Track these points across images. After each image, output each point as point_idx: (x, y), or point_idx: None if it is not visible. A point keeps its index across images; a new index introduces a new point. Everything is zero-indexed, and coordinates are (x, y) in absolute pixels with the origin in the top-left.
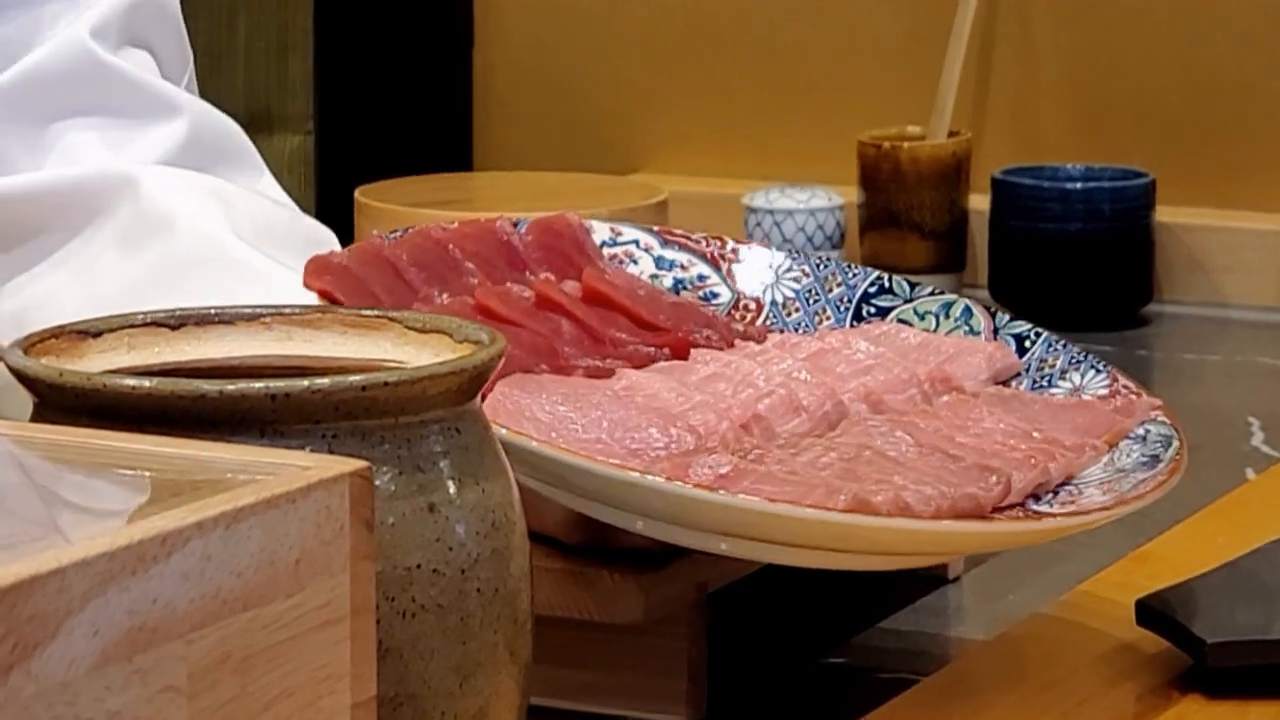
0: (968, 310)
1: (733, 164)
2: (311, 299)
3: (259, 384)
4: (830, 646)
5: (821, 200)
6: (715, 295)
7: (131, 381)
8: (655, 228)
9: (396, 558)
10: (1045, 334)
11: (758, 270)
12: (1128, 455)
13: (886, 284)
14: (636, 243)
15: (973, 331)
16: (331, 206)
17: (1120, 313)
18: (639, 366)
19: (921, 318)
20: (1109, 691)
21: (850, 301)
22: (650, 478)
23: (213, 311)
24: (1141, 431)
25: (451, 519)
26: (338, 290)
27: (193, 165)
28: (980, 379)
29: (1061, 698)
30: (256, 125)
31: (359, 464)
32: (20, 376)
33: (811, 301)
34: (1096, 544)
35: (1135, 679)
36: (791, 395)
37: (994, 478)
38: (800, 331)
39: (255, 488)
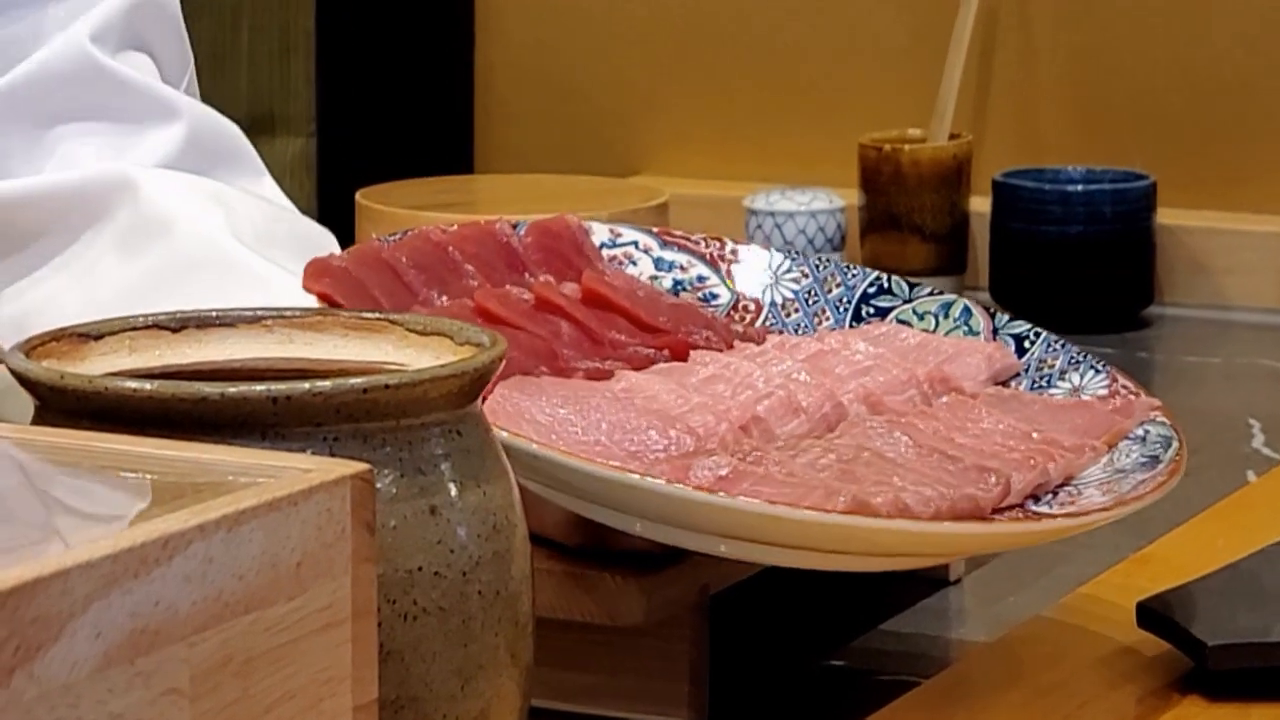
0: (967, 310)
1: (733, 166)
2: (311, 302)
3: (260, 386)
4: (831, 649)
5: (822, 202)
6: (714, 296)
7: (133, 384)
8: (654, 229)
9: (398, 560)
10: (1044, 334)
11: (757, 271)
12: (1127, 456)
13: (885, 284)
14: (635, 244)
15: (972, 332)
16: (332, 208)
17: (1121, 315)
18: (638, 368)
19: (921, 318)
20: (1110, 694)
21: (849, 302)
22: (650, 480)
23: (214, 314)
24: (1141, 432)
25: (453, 521)
26: (337, 293)
27: (192, 168)
28: (979, 379)
29: (1062, 700)
30: (259, 128)
31: (360, 466)
32: (22, 379)
33: (811, 302)
34: (1097, 546)
35: (1136, 681)
36: (790, 397)
37: (993, 479)
38: (799, 332)
39: (257, 490)
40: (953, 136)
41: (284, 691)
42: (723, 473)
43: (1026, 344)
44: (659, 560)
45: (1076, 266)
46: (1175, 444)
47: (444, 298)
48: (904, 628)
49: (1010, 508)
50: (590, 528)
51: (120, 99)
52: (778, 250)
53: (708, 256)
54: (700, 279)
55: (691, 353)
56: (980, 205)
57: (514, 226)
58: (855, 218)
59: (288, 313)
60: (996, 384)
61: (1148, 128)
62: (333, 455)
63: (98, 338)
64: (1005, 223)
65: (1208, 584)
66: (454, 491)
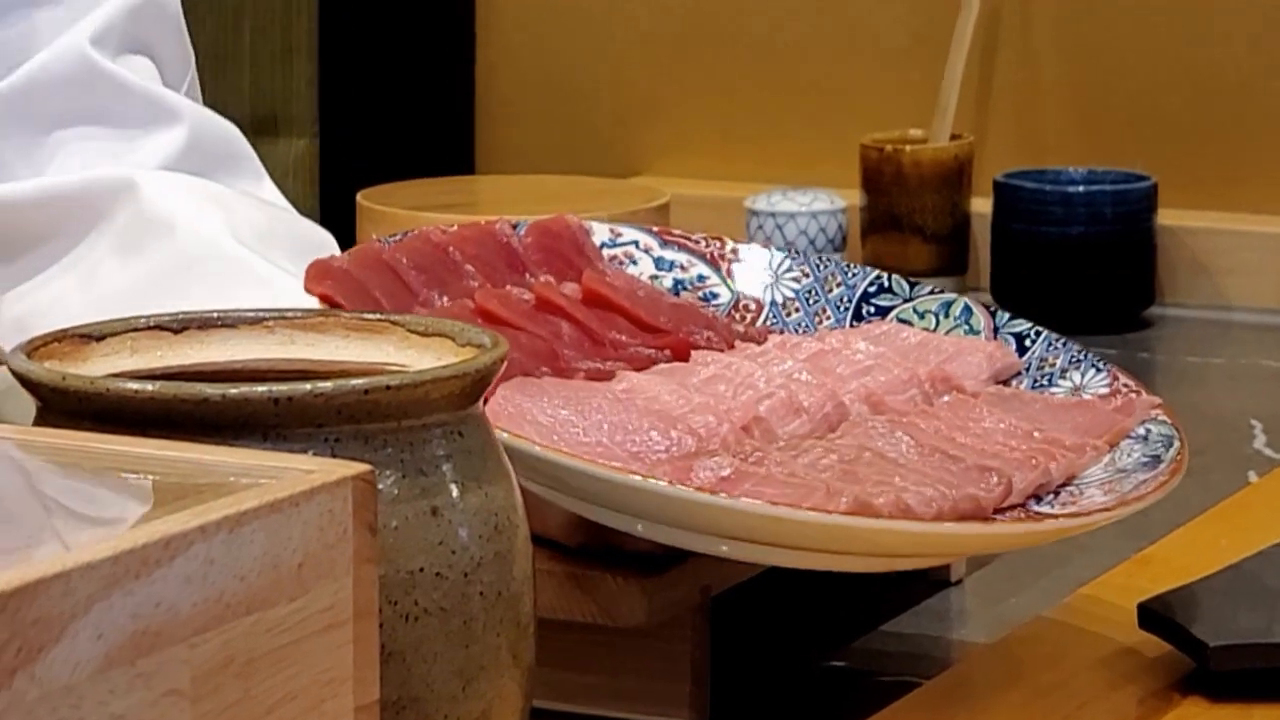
0: (967, 309)
1: (734, 166)
2: (313, 303)
3: (262, 388)
4: (832, 649)
5: (823, 203)
6: (715, 296)
7: (134, 385)
8: (654, 228)
9: (399, 561)
10: (1045, 332)
11: (757, 270)
12: (1129, 455)
13: (886, 283)
14: (636, 243)
15: (973, 330)
16: (334, 209)
17: (1122, 315)
18: (640, 368)
19: (921, 317)
20: (1111, 695)
21: (850, 301)
22: (652, 481)
23: (215, 315)
24: (1142, 431)
25: (454, 522)
26: (338, 294)
27: (193, 171)
28: (980, 378)
29: (1063, 701)
30: (261, 129)
31: (362, 467)
32: (23, 380)
33: (811, 301)
34: (1098, 547)
35: (1137, 682)
36: (792, 397)
37: (995, 479)
38: (800, 331)
39: (258, 491)
40: (954, 137)
41: (285, 692)
42: (725, 474)
43: (1027, 343)
44: (660, 561)
45: (1077, 267)
46: (1177, 443)
47: (445, 298)
48: (905, 628)
49: (1012, 508)
50: (592, 528)
51: (121, 103)
52: (778, 250)
53: (708, 256)
54: (701, 278)
55: (693, 353)
56: (981, 206)
57: (514, 227)
58: (856, 218)
59: (289, 314)
60: (997, 383)
61: (1149, 129)
62: (334, 456)
63: (99, 339)
64: (1006, 223)
65: (1209, 585)
66: (455, 492)
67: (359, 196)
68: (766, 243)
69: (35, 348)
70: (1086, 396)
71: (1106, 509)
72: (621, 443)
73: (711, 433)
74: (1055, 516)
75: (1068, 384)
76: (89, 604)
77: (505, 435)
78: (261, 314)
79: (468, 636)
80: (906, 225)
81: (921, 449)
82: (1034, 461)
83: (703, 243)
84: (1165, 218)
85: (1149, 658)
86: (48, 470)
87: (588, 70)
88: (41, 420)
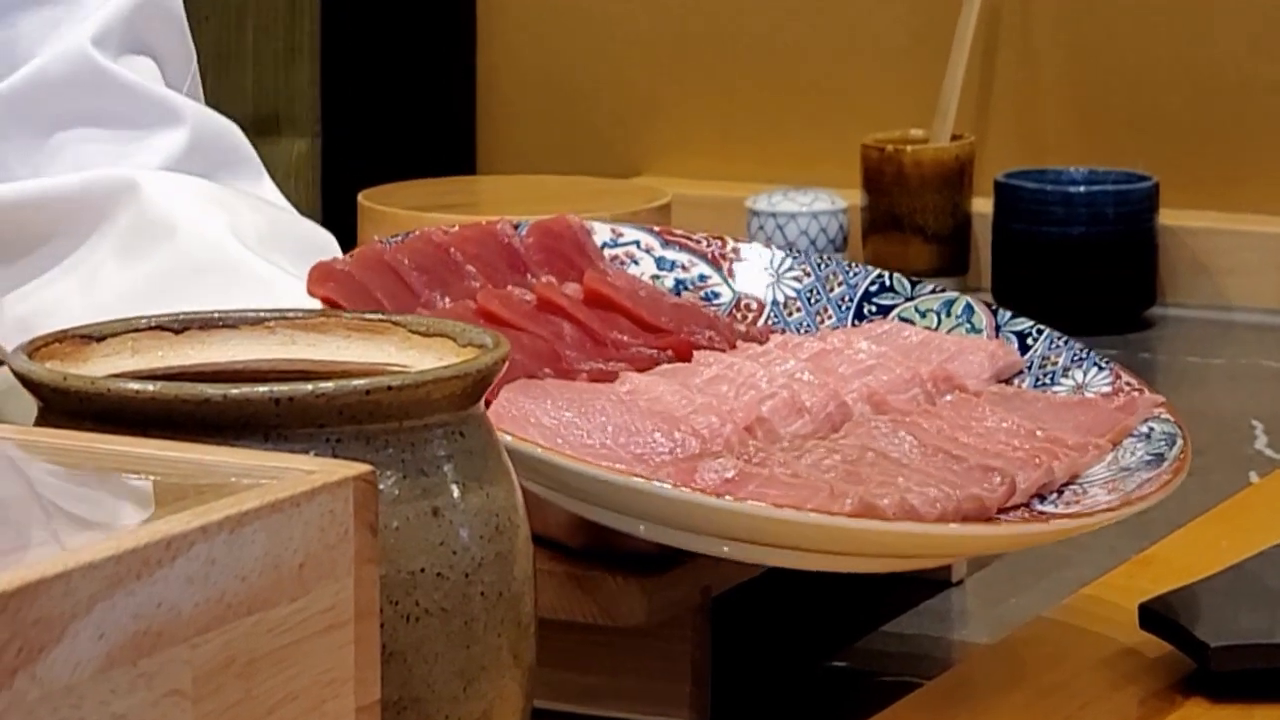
0: (969, 308)
1: (735, 167)
2: (314, 303)
3: (263, 388)
4: (833, 650)
5: (824, 203)
6: (716, 295)
7: (135, 385)
8: (656, 228)
9: (400, 561)
10: (1047, 331)
11: (759, 270)
12: (1132, 454)
13: (887, 282)
14: (637, 243)
15: (974, 329)
16: (336, 209)
17: (1123, 316)
18: (642, 368)
19: (923, 315)
20: (1112, 695)
21: (851, 300)
22: (656, 484)
23: (216, 316)
24: (1145, 429)
25: (455, 523)
26: (340, 296)
27: (195, 171)
28: (983, 377)
29: (1064, 701)
30: (264, 129)
31: (363, 468)
32: (24, 381)
33: (813, 301)
34: (1099, 547)
35: (1138, 683)
36: (794, 397)
37: (998, 478)
38: (802, 331)
39: (259, 492)
40: (955, 137)
41: (286, 693)
42: (728, 475)
43: (1029, 341)
44: (661, 561)
45: (1078, 267)
46: (1180, 441)
47: (446, 299)
48: (906, 629)
49: (1015, 507)
50: (593, 529)
51: (122, 103)
52: (779, 249)
53: (709, 255)
54: (702, 278)
55: (695, 353)
56: (982, 206)
57: (515, 227)
58: (857, 218)
59: (290, 314)
60: (1000, 382)
61: (1150, 128)
62: (335, 457)
63: (100, 339)
64: (1007, 224)
65: (1210, 585)
66: (456, 493)
67: (360, 197)
68: (767, 243)
69: (36, 348)
70: (1089, 395)
71: (1111, 509)
72: (625, 444)
73: (714, 433)
74: (1059, 516)
75: (1070, 382)
76: (90, 604)
77: (508, 438)
78: (263, 314)
79: (469, 637)
80: (907, 225)
81: (924, 449)
82: (1037, 461)
83: (704, 242)
84: (1166, 218)
85: (1150, 658)
86: (49, 471)
87: (589, 70)
88: (43, 420)
